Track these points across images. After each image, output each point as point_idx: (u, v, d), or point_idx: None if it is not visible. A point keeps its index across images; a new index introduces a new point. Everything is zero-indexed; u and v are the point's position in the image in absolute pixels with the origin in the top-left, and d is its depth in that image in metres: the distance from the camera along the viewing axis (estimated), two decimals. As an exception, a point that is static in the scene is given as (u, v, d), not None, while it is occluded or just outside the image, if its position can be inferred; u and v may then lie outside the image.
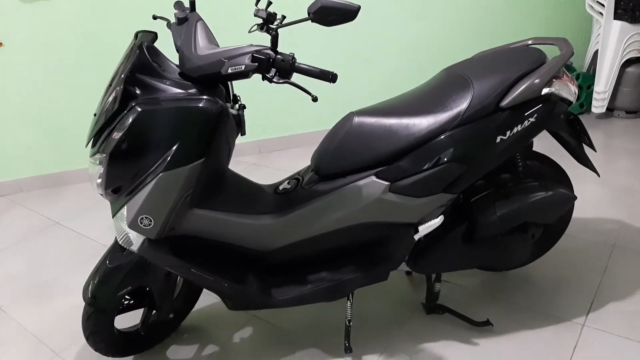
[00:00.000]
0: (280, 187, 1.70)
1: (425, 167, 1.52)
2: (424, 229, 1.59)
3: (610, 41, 3.31)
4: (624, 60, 3.32)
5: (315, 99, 1.38)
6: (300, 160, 3.31)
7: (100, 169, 1.41)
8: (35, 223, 2.96)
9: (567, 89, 1.56)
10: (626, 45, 3.29)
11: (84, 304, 1.64)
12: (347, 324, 1.72)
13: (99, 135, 1.44)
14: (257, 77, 1.41)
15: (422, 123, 1.52)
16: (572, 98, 1.58)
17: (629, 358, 1.62)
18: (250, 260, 1.64)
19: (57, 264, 2.51)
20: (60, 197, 3.27)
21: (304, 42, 3.14)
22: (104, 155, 1.39)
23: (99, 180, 1.43)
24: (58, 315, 2.13)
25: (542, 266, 2.06)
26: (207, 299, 2.04)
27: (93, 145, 1.47)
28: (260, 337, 1.90)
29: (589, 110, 3.54)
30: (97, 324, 1.66)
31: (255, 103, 2.87)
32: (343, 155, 1.57)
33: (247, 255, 1.62)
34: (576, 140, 1.74)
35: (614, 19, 3.27)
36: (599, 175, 1.85)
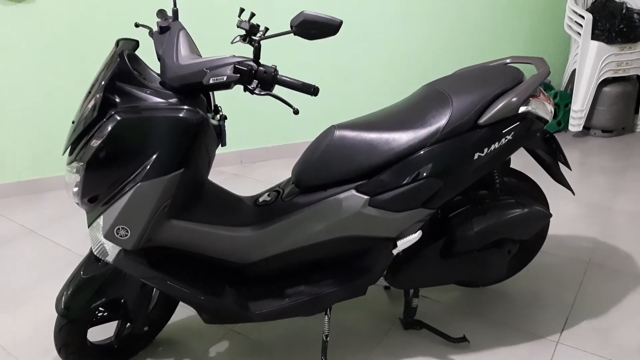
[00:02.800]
0: (260, 199, 1.69)
1: (404, 182, 1.53)
2: (403, 244, 1.60)
3: (588, 61, 3.39)
4: (600, 80, 3.40)
5: (296, 112, 1.38)
6: (281, 172, 3.31)
7: (77, 178, 1.39)
8: (9, 231, 2.89)
9: (544, 108, 1.59)
10: (603, 65, 3.37)
11: (56, 315, 1.61)
12: (325, 339, 1.71)
13: (76, 143, 1.41)
14: (239, 88, 1.41)
15: (402, 138, 1.54)
16: (548, 117, 1.61)
17: (602, 374, 1.65)
18: (227, 272, 1.62)
19: (30, 273, 2.45)
20: (37, 204, 3.21)
21: (286, 54, 3.15)
22: (81, 163, 1.37)
23: (75, 189, 1.40)
24: (29, 326, 2.08)
25: (519, 282, 2.08)
26: (184, 312, 2.01)
27: (70, 153, 1.44)
28: (237, 351, 1.88)
29: (566, 128, 3.61)
30: (69, 336, 1.63)
31: (238, 114, 2.87)
32: (323, 168, 1.57)
33: (225, 268, 1.61)
34: (552, 158, 1.77)
35: (592, 39, 3.35)
36: (573, 193, 1.88)
